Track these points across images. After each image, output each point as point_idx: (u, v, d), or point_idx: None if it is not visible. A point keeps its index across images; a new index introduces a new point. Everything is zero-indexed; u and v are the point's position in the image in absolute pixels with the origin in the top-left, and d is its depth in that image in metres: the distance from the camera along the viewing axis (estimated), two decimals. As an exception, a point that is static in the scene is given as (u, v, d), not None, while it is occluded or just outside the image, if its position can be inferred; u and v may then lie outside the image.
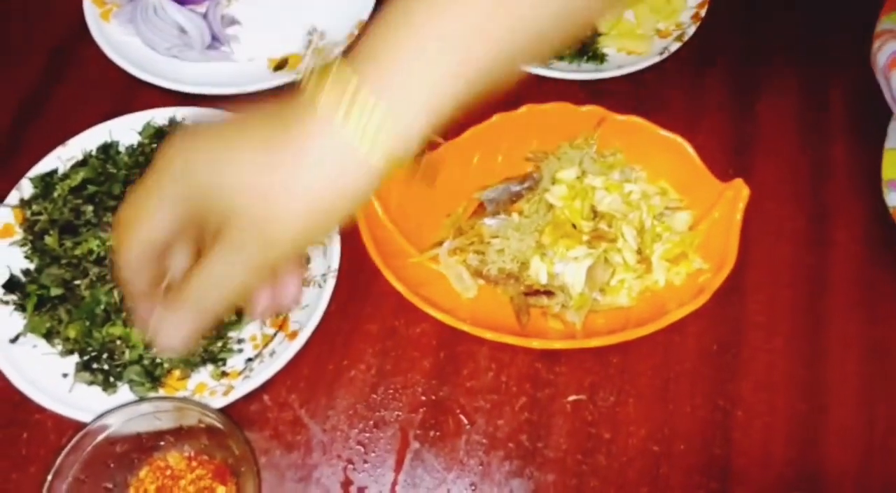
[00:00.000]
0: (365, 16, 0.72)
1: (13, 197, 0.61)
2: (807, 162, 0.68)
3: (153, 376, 0.56)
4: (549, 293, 0.59)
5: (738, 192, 0.60)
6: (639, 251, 0.60)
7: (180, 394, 0.56)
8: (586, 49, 0.73)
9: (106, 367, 0.56)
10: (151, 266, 0.42)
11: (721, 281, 0.58)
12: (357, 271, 0.62)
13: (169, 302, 0.42)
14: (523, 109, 0.65)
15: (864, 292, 0.62)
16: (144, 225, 0.41)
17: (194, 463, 0.52)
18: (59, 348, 0.57)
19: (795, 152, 0.69)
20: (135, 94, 0.70)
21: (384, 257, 0.59)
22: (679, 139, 0.62)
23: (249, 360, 0.57)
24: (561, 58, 0.72)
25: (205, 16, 0.74)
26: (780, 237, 0.65)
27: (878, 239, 0.64)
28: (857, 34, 0.69)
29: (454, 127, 0.65)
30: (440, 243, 0.62)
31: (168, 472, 0.52)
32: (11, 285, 0.58)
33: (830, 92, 0.72)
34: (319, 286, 0.60)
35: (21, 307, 0.57)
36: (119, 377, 0.56)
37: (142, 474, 0.52)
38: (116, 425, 0.48)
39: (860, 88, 0.70)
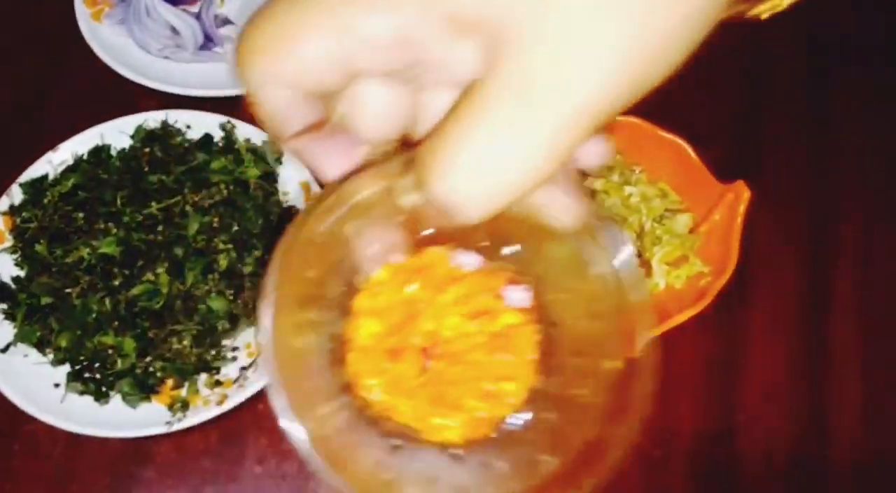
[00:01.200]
0: (360, 15, 0.71)
1: (3, 203, 0.60)
2: (810, 163, 0.67)
3: (146, 385, 0.55)
4: None
5: (740, 194, 0.59)
6: (638, 255, 0.59)
7: (176, 403, 0.55)
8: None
9: (98, 376, 0.55)
10: (307, 112, 0.25)
11: (722, 285, 0.57)
12: (353, 276, 0.61)
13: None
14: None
15: (868, 296, 0.61)
16: (301, 47, 0.23)
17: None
18: (51, 357, 0.56)
19: (798, 153, 0.67)
20: (127, 96, 0.69)
21: None
22: (679, 140, 0.61)
23: (244, 368, 0.56)
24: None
25: (198, 16, 0.73)
26: (782, 239, 0.64)
27: (881, 240, 0.63)
28: (858, 32, 0.68)
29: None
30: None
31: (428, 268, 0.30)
32: (1, 293, 0.57)
33: (834, 92, 0.71)
34: (315, 292, 0.59)
35: (11, 316, 0.56)
36: (111, 387, 0.55)
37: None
38: None
39: (864, 86, 0.69)
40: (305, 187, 0.63)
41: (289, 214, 0.61)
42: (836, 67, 0.72)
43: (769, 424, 0.57)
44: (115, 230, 0.56)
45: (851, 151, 0.67)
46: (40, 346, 0.56)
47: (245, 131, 0.64)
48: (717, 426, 0.57)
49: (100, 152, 0.63)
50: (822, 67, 0.72)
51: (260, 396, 0.56)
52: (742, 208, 0.58)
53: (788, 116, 0.69)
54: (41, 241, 0.57)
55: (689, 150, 0.61)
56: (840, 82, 0.71)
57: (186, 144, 0.63)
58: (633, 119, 0.62)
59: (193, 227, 0.57)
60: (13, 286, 0.57)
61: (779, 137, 0.68)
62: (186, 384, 0.56)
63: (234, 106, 0.67)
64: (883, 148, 0.66)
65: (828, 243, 0.63)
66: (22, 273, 0.58)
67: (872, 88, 0.70)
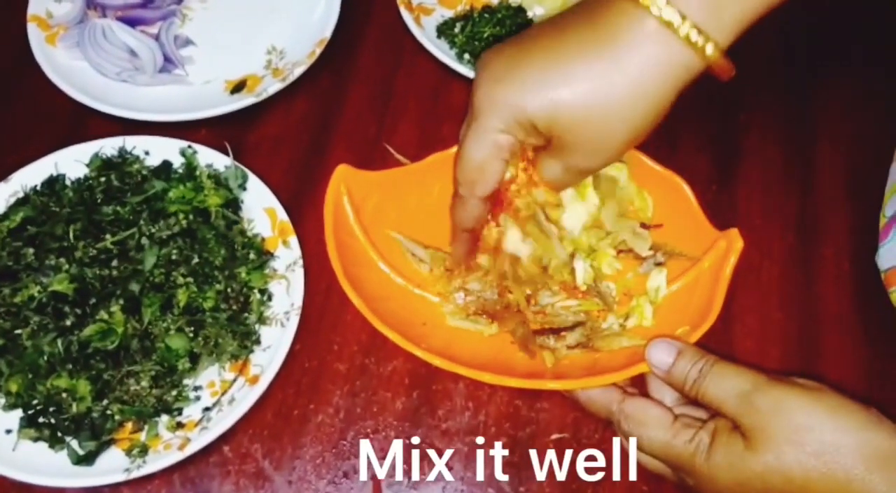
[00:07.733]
0: (327, 34, 0.69)
1: (-50, 239, 0.57)
2: (794, 180, 0.65)
3: (103, 429, 0.52)
4: (556, 331, 0.55)
5: (732, 243, 0.54)
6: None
7: (135, 448, 0.52)
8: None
9: (52, 421, 0.52)
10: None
11: (701, 335, 0.52)
12: (323, 307, 0.58)
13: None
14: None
15: (857, 315, 0.59)
16: (489, 171, 0.47)
17: None
18: (2, 402, 0.53)
19: (782, 170, 0.66)
20: (83, 122, 0.66)
21: (345, 265, 0.53)
22: (678, 178, 0.56)
23: (207, 409, 0.53)
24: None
25: (157, 37, 0.70)
26: (768, 258, 0.62)
27: (867, 257, 0.61)
28: (844, 59, 0.66)
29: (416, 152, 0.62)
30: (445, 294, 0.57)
31: None
32: (-53, 336, 0.54)
33: (816, 110, 0.69)
34: (282, 325, 0.56)
35: (-42, 361, 0.53)
36: (67, 432, 0.52)
37: None
38: None
39: (844, 103, 0.68)
40: (271, 214, 0.60)
41: (253, 244, 0.58)
42: (820, 81, 0.70)
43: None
44: (66, 266, 0.53)
45: (835, 164, 0.66)
46: (-10, 391, 0.53)
47: (206, 156, 0.61)
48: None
49: (53, 183, 0.60)
50: (804, 83, 0.70)
51: (225, 438, 0.53)
52: (733, 260, 0.53)
53: (769, 128, 0.68)
54: (-12, 280, 0.53)
55: (688, 189, 0.57)
56: (822, 95, 0.69)
57: (144, 172, 0.60)
58: (635, 152, 0.58)
59: (150, 260, 0.54)
60: (-40, 329, 0.54)
61: (760, 150, 0.66)
62: (146, 428, 0.53)
63: (194, 130, 0.65)
64: (868, 161, 0.65)
65: (815, 261, 0.61)
66: (-31, 314, 0.55)
67: (853, 98, 0.68)
